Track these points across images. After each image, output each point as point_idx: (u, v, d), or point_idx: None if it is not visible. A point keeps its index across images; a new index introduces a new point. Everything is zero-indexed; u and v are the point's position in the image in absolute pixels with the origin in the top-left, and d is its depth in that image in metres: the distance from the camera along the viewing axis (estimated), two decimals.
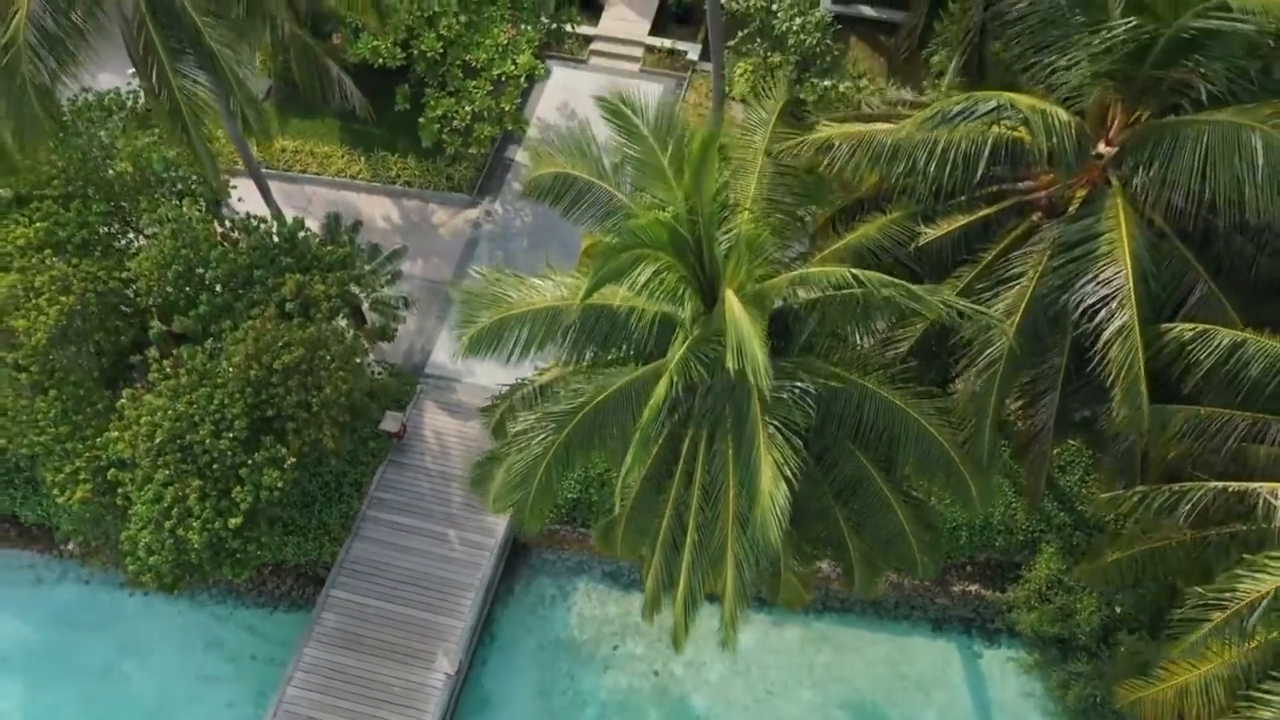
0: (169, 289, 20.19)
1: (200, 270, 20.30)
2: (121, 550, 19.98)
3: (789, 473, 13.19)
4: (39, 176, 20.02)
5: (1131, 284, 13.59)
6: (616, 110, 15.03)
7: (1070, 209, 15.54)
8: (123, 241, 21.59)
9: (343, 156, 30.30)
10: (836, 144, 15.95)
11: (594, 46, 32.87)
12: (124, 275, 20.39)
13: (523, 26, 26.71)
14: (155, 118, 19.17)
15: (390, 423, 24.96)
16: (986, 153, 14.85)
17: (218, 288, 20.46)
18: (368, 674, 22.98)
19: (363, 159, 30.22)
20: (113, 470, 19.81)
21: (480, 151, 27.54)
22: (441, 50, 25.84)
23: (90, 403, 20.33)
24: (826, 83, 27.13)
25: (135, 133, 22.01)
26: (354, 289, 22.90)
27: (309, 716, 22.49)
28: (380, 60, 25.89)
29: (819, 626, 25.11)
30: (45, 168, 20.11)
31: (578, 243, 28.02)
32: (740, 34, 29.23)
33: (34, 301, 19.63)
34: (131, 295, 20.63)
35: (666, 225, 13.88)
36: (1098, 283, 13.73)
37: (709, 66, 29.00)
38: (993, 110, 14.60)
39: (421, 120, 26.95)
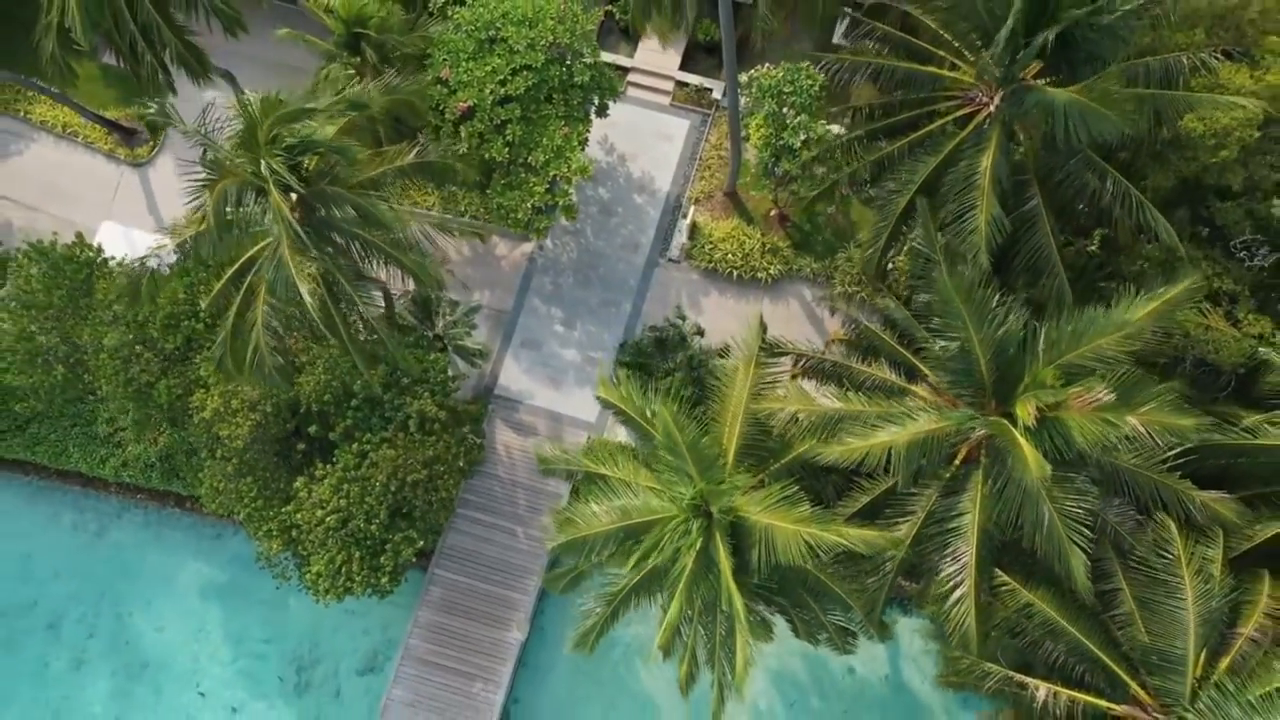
0: (323, 406, 27.98)
1: (344, 394, 28.01)
2: (303, 581, 29.26)
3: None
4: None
5: (974, 562, 21.52)
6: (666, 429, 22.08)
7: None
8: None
9: (418, 188, 36.41)
10: (801, 418, 23.15)
11: (630, 79, 37.55)
12: (291, 394, 28.09)
13: (575, 125, 31.88)
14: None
15: None
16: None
17: (357, 405, 28.25)
18: (464, 631, 32.99)
19: (435, 193, 36.33)
20: (294, 530, 28.64)
21: (539, 238, 33.77)
22: (508, 154, 31.46)
23: (274, 480, 28.81)
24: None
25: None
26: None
27: (425, 660, 32.78)
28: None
29: None
30: None
31: (617, 281, 35.31)
32: (755, 113, 34.20)
33: (232, 418, 27.61)
34: (296, 403, 28.41)
35: (687, 509, 21.77)
36: (952, 558, 21.67)
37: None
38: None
39: (489, 192, 32.90)
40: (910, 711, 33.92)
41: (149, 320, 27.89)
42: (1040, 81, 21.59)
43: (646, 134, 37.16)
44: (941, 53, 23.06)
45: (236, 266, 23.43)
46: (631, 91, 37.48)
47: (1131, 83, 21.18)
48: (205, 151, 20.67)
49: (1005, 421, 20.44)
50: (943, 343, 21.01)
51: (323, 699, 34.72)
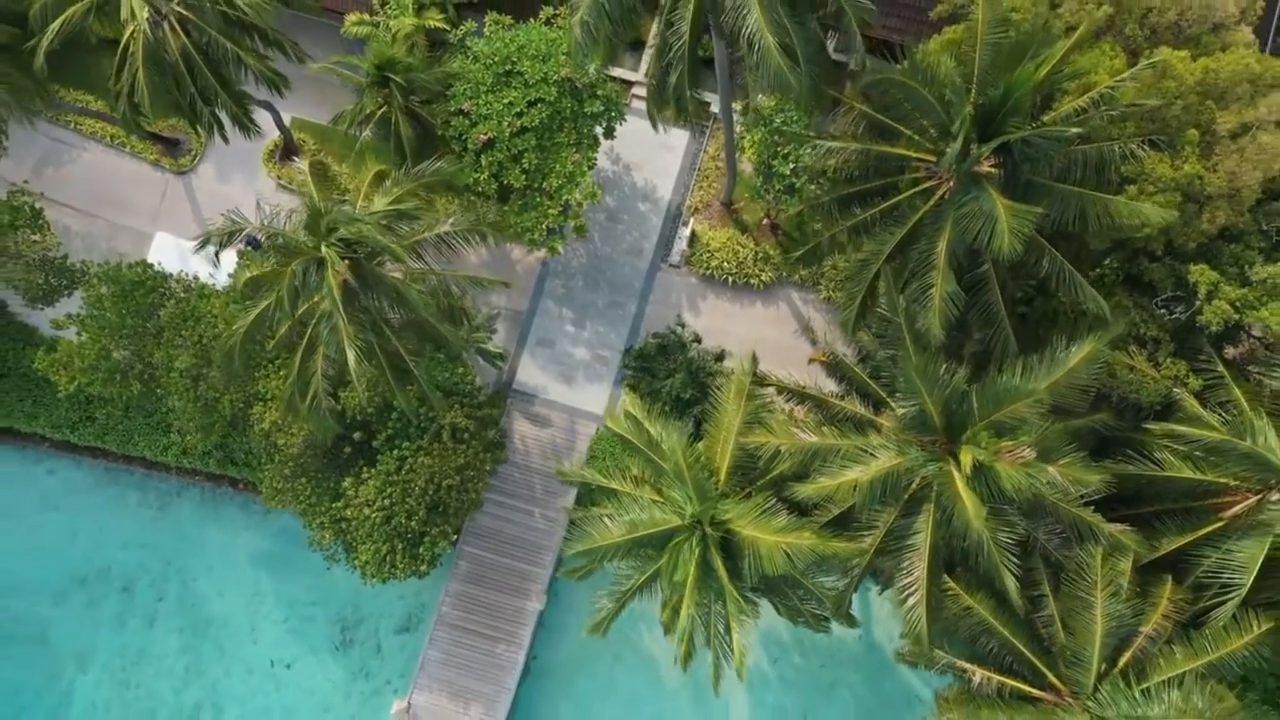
0: (366, 417, 32.07)
1: (385, 406, 32.06)
2: (352, 565, 33.72)
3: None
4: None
5: (926, 574, 25.71)
6: (676, 464, 26.07)
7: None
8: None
9: (441, 198, 39.67)
10: (784, 450, 27.09)
11: (634, 91, 40.42)
12: (340, 406, 32.12)
13: (585, 151, 35.01)
14: None
15: None
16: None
17: (397, 416, 32.30)
18: (489, 600, 37.65)
19: (456, 201, 39.60)
20: (342, 523, 33.01)
21: (553, 255, 37.19)
22: (524, 180, 34.74)
23: (324, 479, 33.05)
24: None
25: None
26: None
27: (456, 625, 37.54)
28: (479, 189, 34.84)
29: None
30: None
31: (622, 284, 38.92)
32: (752, 130, 37.21)
33: (288, 430, 31.72)
34: (343, 414, 32.50)
35: (687, 527, 25.92)
36: (907, 571, 25.92)
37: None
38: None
39: (506, 210, 36.27)
40: (880, 666, 38.82)
41: (212, 344, 31.74)
42: (990, 164, 24.87)
43: (650, 144, 40.11)
44: (908, 131, 26.29)
45: (298, 315, 27.18)
46: (635, 104, 40.24)
47: (1065, 176, 24.58)
48: (266, 241, 24.40)
49: (951, 466, 24.44)
50: (902, 410, 24.93)
51: (365, 654, 39.65)
